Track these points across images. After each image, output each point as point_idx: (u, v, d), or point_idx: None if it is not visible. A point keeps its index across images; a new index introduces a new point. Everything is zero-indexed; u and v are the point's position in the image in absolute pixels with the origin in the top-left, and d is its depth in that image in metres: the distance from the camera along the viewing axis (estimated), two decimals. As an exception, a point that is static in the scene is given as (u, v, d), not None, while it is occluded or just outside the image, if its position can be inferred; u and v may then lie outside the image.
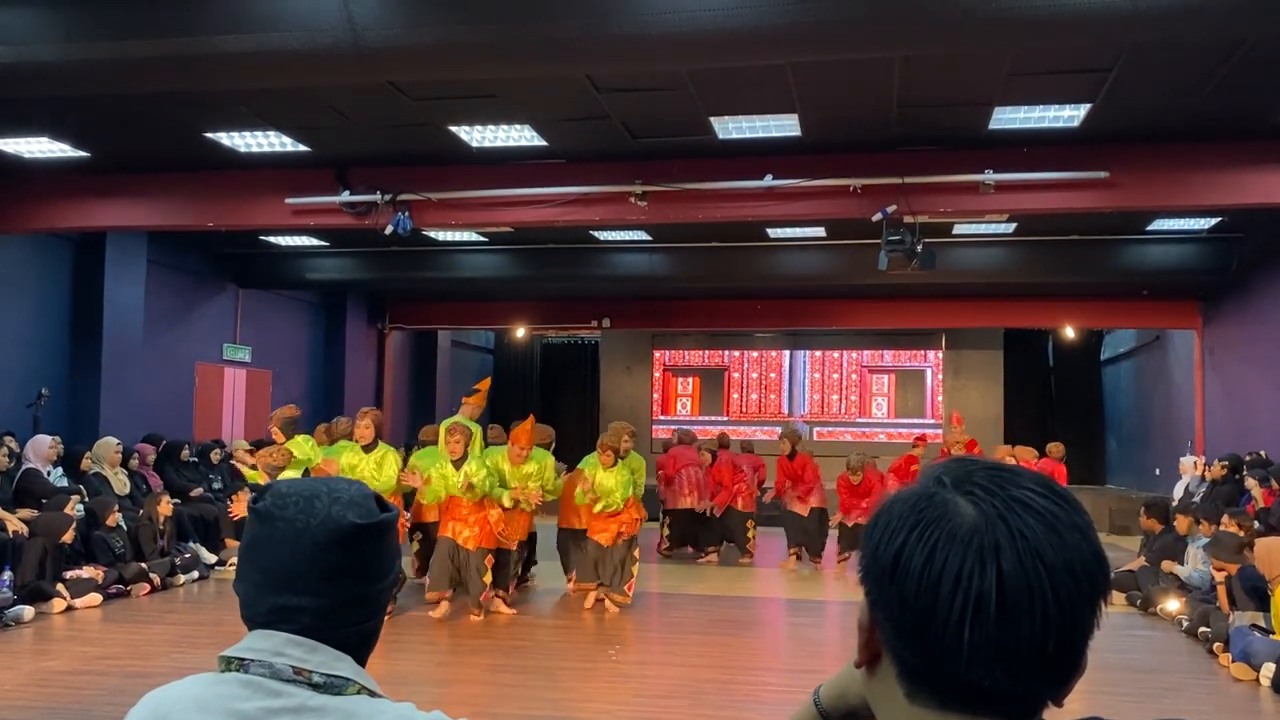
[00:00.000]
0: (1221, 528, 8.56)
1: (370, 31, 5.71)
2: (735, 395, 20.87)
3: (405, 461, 9.83)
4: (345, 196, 10.00)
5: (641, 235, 13.17)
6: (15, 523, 8.80)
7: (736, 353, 20.94)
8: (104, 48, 6.07)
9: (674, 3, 5.42)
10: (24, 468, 9.83)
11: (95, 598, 8.92)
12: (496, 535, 8.64)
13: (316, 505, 1.28)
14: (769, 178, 9.30)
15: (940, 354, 20.08)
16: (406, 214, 9.93)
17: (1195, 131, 8.60)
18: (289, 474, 7.79)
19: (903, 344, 20.21)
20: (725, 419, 20.16)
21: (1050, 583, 0.84)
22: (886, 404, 20.29)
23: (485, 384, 9.84)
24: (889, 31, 5.52)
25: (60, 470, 10.25)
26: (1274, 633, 7.03)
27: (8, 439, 9.96)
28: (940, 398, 20.02)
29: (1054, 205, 9.30)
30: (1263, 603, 7.34)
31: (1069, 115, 8.25)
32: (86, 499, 9.92)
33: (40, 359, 11.71)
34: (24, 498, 9.52)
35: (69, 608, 8.69)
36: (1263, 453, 11.45)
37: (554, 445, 10.04)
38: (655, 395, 21.09)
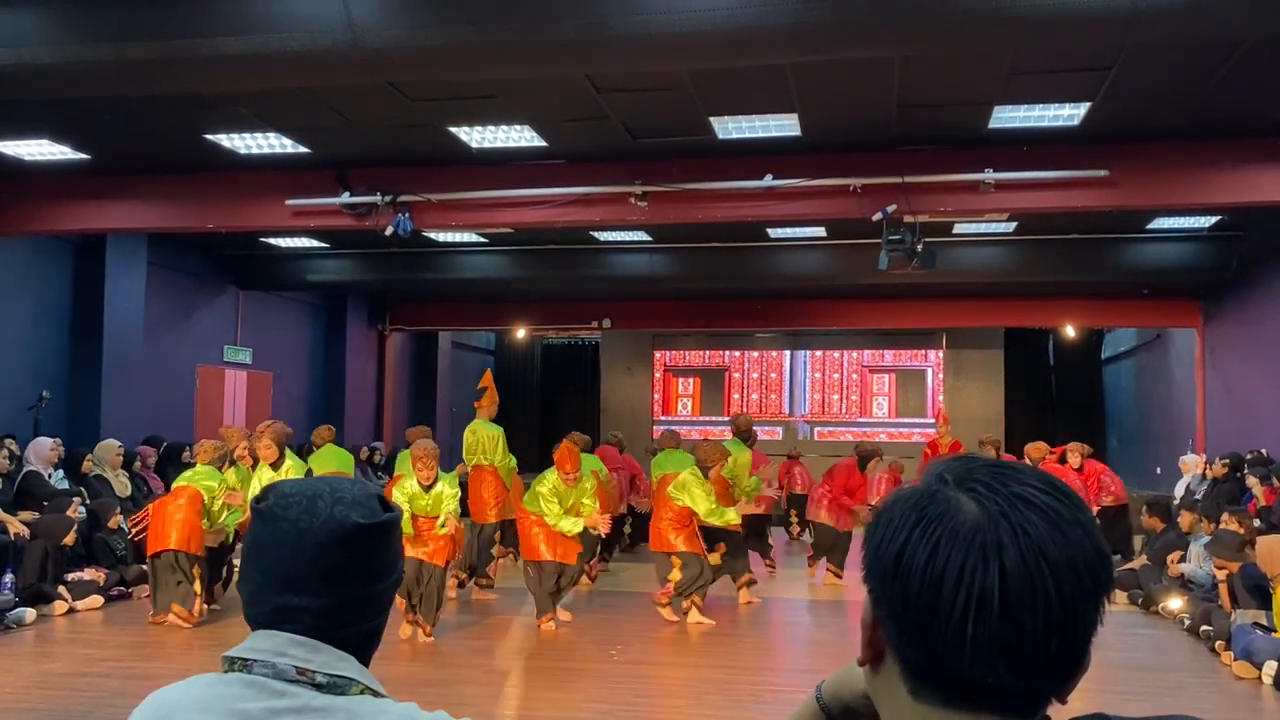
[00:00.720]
0: (1222, 526, 8.55)
1: (370, 33, 5.71)
2: (736, 395, 20.86)
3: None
4: (345, 198, 10.00)
5: (642, 235, 13.17)
6: (17, 525, 8.80)
7: (737, 353, 20.93)
8: (104, 49, 6.07)
9: (673, 3, 5.42)
10: (25, 470, 9.84)
11: (97, 600, 8.93)
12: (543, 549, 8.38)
13: (319, 505, 1.28)
14: (769, 178, 9.29)
15: (941, 353, 20.07)
16: (406, 215, 9.93)
17: (1195, 130, 8.60)
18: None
19: (903, 343, 20.20)
20: (726, 419, 20.14)
21: (1053, 579, 0.85)
22: (887, 404, 20.28)
23: (487, 379, 9.88)
24: (889, 31, 5.52)
25: (61, 472, 10.26)
26: (1276, 631, 7.03)
27: (8, 441, 9.97)
28: (941, 397, 20.01)
29: (1054, 204, 9.30)
30: (1264, 601, 7.34)
31: (1069, 114, 8.25)
32: (88, 501, 9.92)
33: (41, 361, 11.71)
34: (25, 500, 9.53)
35: (70, 610, 8.69)
36: (1264, 451, 11.45)
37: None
38: (656, 396, 21.09)
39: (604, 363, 21.46)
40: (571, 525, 8.23)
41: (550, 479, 8.36)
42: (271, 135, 9.06)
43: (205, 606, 8.42)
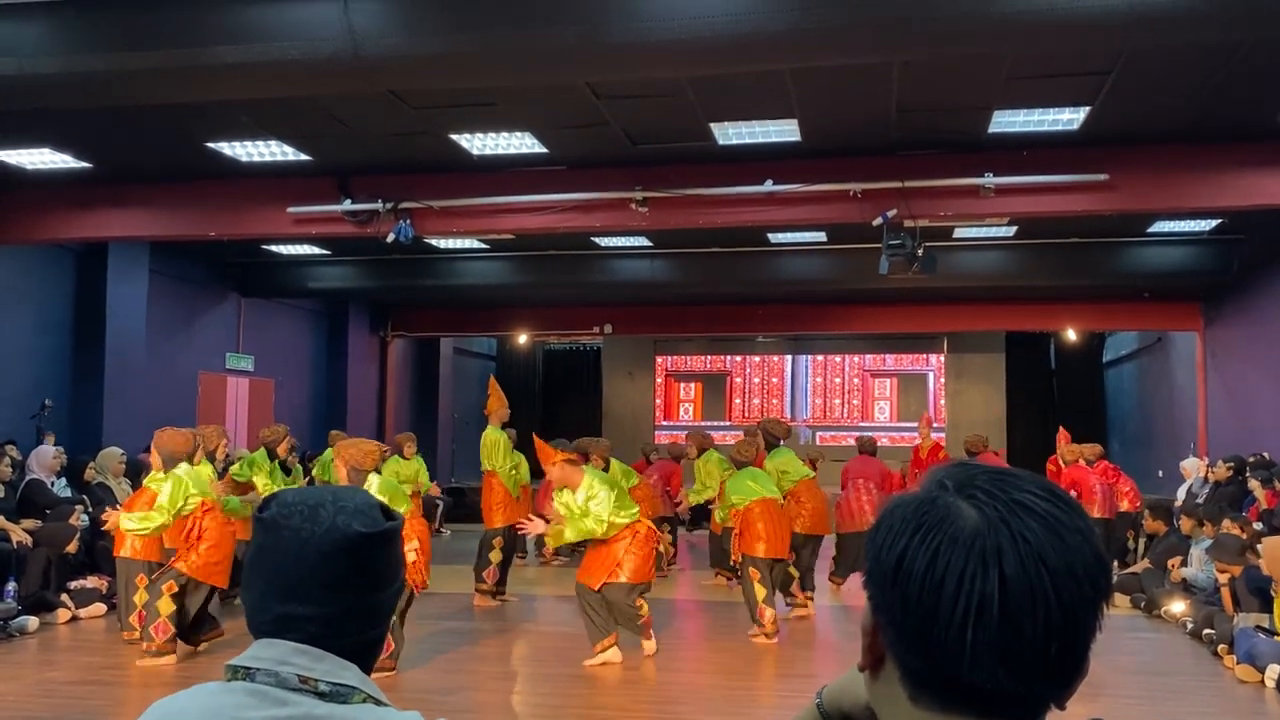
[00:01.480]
0: (1222, 531, 8.55)
1: (370, 41, 5.73)
2: (738, 400, 20.87)
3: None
4: (347, 205, 10.01)
5: (642, 241, 13.18)
6: (19, 533, 8.80)
7: (738, 358, 20.95)
8: (106, 59, 6.09)
9: (673, 10, 5.44)
10: (28, 478, 9.84)
11: (100, 608, 8.93)
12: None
13: (321, 514, 1.28)
14: (769, 183, 9.31)
15: (942, 357, 20.08)
16: (408, 222, 9.94)
17: (1194, 133, 8.61)
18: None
19: (904, 348, 20.21)
20: (728, 424, 20.15)
21: (1052, 585, 0.85)
22: (889, 408, 20.29)
23: (491, 386, 9.93)
24: (887, 37, 5.53)
25: (64, 481, 10.26)
26: (1278, 634, 7.02)
27: (9, 448, 9.97)
28: (943, 401, 20.01)
29: (1054, 208, 9.30)
30: (1267, 604, 7.34)
31: (1068, 118, 8.25)
32: (90, 509, 9.92)
33: (43, 370, 11.72)
34: (28, 508, 9.53)
35: (73, 618, 8.69)
36: (1266, 454, 11.44)
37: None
38: (658, 401, 21.10)
39: (606, 368, 21.48)
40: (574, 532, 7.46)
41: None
42: (273, 143, 9.08)
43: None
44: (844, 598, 10.25)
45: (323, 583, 1.26)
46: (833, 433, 20.01)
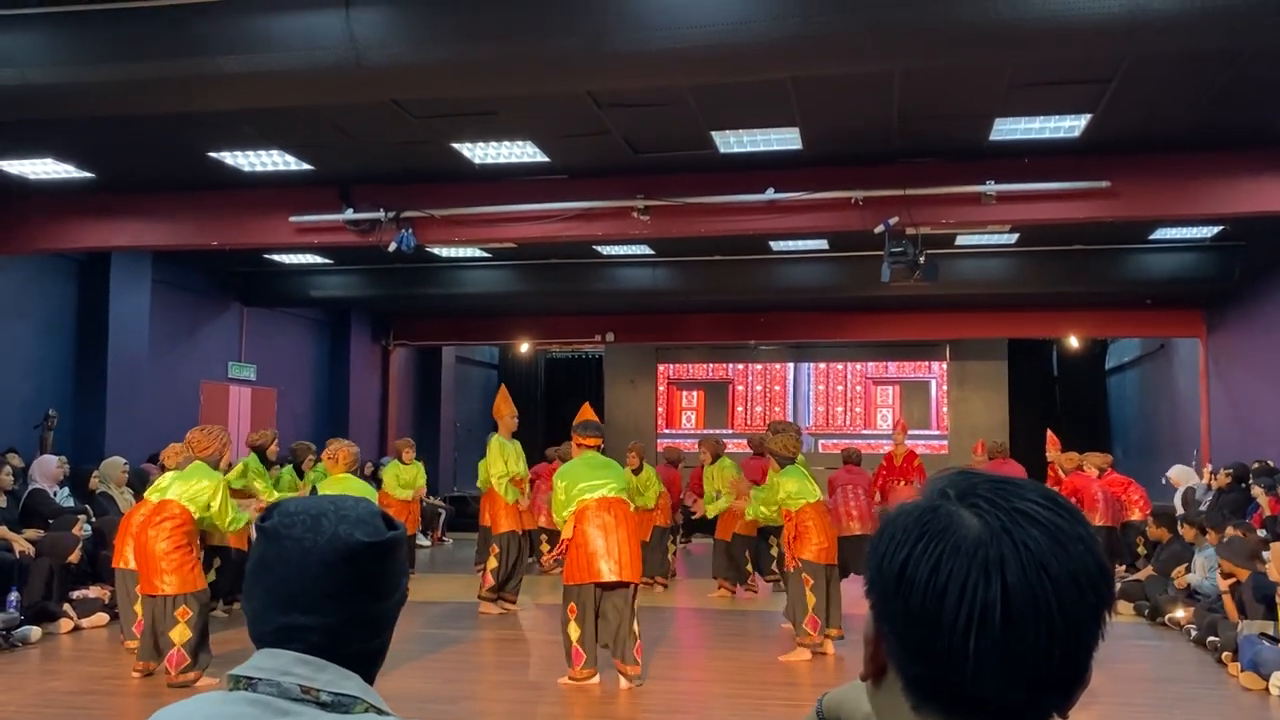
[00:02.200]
0: (1228, 535, 8.54)
1: (372, 50, 5.74)
2: (740, 408, 20.86)
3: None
4: (349, 214, 10.03)
5: (644, 249, 13.19)
6: (22, 543, 8.80)
7: (740, 366, 20.94)
8: (108, 70, 6.11)
9: (674, 19, 5.45)
10: (30, 488, 9.84)
11: (102, 617, 8.92)
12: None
13: (323, 524, 1.28)
14: (771, 191, 9.32)
15: (944, 365, 20.06)
16: (410, 231, 9.95)
17: (1196, 141, 8.61)
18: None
19: (906, 355, 20.20)
20: (730, 432, 20.14)
21: (1055, 594, 0.85)
22: (891, 415, 20.26)
23: (501, 392, 9.97)
24: (888, 45, 5.54)
25: (67, 490, 10.27)
26: (1283, 641, 7.01)
27: (11, 457, 9.97)
28: (945, 409, 20.00)
29: (1056, 215, 9.31)
30: (1271, 611, 7.32)
31: (1070, 126, 8.26)
32: (93, 519, 9.93)
33: (46, 380, 11.73)
34: (31, 518, 9.53)
35: (76, 628, 8.69)
36: (1270, 461, 11.42)
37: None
38: (660, 409, 21.08)
39: (607, 376, 21.47)
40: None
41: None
42: (275, 153, 9.10)
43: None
44: (844, 606, 10.22)
45: (325, 592, 1.26)
46: (835, 440, 19.96)
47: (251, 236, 10.54)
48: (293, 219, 10.19)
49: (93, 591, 9.12)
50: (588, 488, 6.96)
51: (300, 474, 10.39)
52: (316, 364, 17.47)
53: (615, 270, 14.15)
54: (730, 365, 20.98)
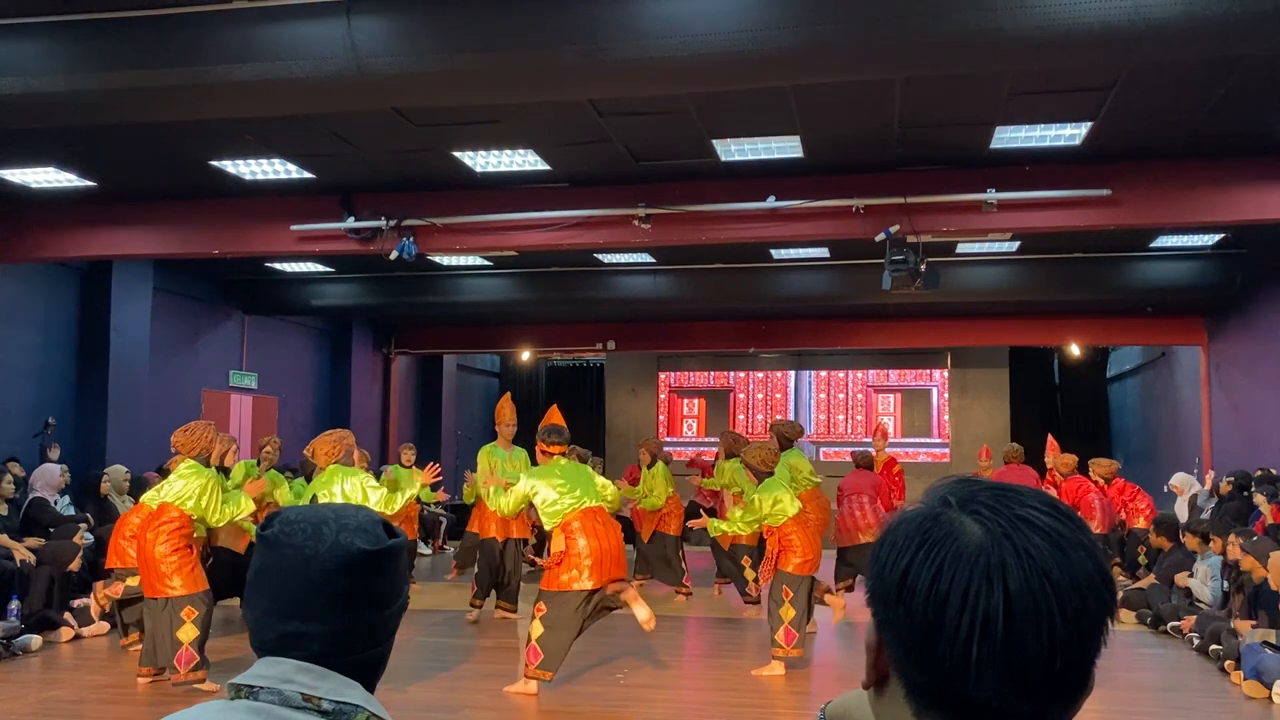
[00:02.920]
0: (1228, 544, 8.52)
1: (374, 59, 5.75)
2: (741, 416, 20.85)
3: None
4: (350, 223, 10.04)
5: (645, 258, 13.20)
6: (23, 551, 8.80)
7: (742, 374, 20.93)
8: (110, 78, 6.12)
9: (674, 27, 5.46)
10: (31, 496, 9.84)
11: (103, 626, 8.90)
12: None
13: (324, 532, 1.28)
14: (772, 199, 9.33)
15: (945, 373, 20.05)
16: (411, 239, 9.97)
17: (1197, 148, 8.62)
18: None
19: (908, 363, 20.19)
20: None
21: (1057, 601, 0.85)
22: (893, 423, 20.24)
23: (501, 401, 9.96)
24: (889, 53, 5.55)
25: (68, 499, 10.26)
26: (1286, 650, 6.99)
27: (12, 465, 9.98)
28: (946, 416, 19.99)
29: (1057, 223, 9.31)
30: (1274, 619, 7.30)
31: (1070, 134, 8.27)
32: (94, 527, 9.92)
33: (47, 388, 11.74)
34: (32, 526, 9.53)
35: (77, 636, 8.67)
36: (1272, 469, 11.40)
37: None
38: (661, 417, 21.07)
39: (609, 384, 21.47)
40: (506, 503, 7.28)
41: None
42: (276, 161, 9.11)
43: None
44: (849, 614, 10.20)
45: (326, 600, 1.26)
46: (836, 448, 19.97)
47: (253, 245, 10.56)
48: (294, 227, 10.20)
49: (92, 601, 9.11)
50: (569, 496, 6.92)
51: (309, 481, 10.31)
52: (318, 372, 17.48)
53: (616, 278, 14.16)
54: (731, 373, 20.97)
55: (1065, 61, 5.90)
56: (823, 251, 12.68)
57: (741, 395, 20.94)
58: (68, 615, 8.75)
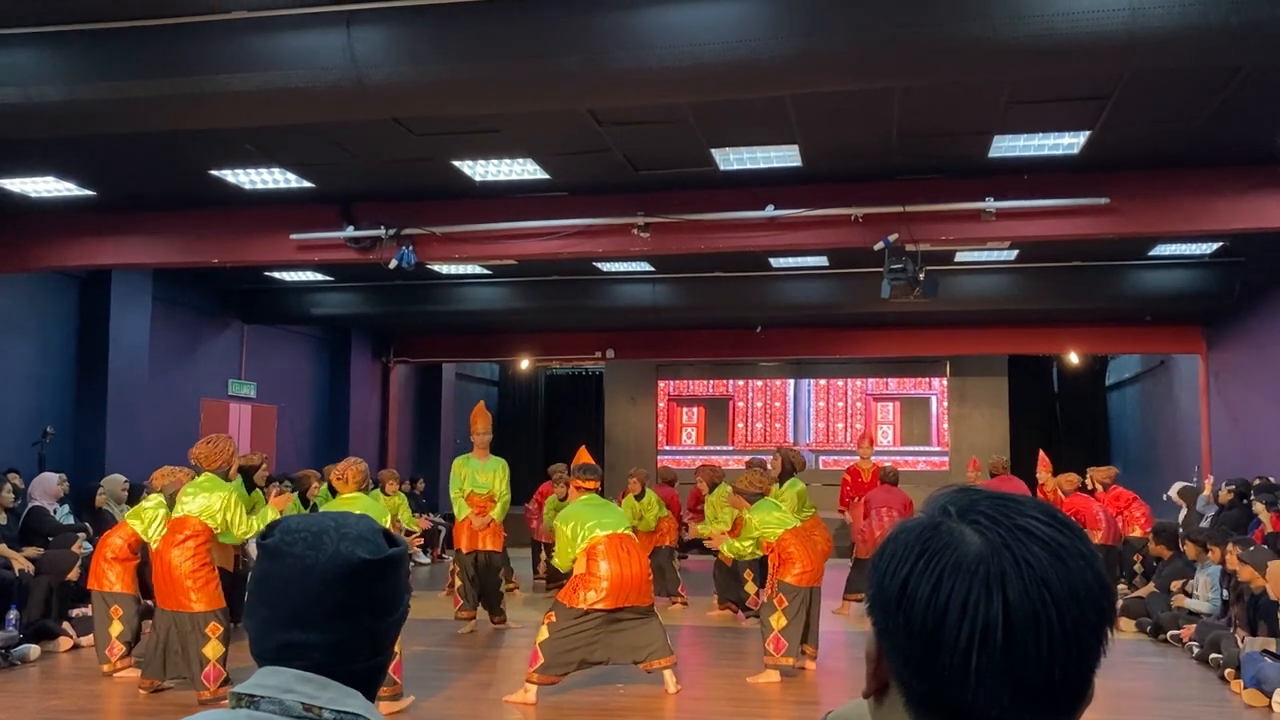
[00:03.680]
0: (1227, 552, 8.52)
1: (373, 69, 5.76)
2: (740, 425, 20.85)
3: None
4: (349, 232, 10.05)
5: (644, 266, 13.21)
6: (21, 561, 8.79)
7: (741, 382, 20.94)
8: (109, 88, 6.13)
9: (673, 37, 5.47)
10: (30, 506, 9.83)
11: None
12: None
13: (325, 541, 1.29)
14: (770, 208, 9.34)
15: (945, 381, 20.06)
16: (410, 248, 9.97)
17: (1195, 157, 8.64)
18: None
19: (907, 372, 20.20)
20: (731, 448, 20.13)
21: (1056, 610, 0.85)
22: (892, 432, 20.25)
23: (475, 409, 9.87)
24: (888, 63, 5.56)
25: (67, 508, 10.25)
26: (1286, 658, 6.98)
27: (12, 476, 9.96)
28: (946, 425, 19.99)
29: (1055, 232, 9.32)
30: (1273, 628, 7.30)
31: (1069, 143, 8.29)
32: (94, 536, 9.90)
33: (46, 397, 11.73)
34: (30, 536, 9.51)
35: (75, 646, 8.66)
36: (1271, 477, 11.40)
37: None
38: (660, 425, 21.07)
39: (608, 393, 21.46)
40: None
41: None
42: (276, 171, 9.12)
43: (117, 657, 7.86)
44: (854, 623, 10.20)
45: (327, 610, 1.26)
46: (836, 457, 19.96)
47: (252, 254, 10.56)
48: (293, 236, 10.21)
49: (92, 610, 9.09)
50: (596, 525, 7.10)
51: (305, 503, 10.29)
52: (317, 381, 17.48)
53: (615, 287, 14.16)
54: (730, 382, 20.98)
55: (1063, 71, 5.92)
56: (821, 260, 12.68)
57: (741, 404, 20.94)
58: (66, 625, 8.74)
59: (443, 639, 9.26)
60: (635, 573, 6.99)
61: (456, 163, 8.85)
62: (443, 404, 20.16)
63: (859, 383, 20.47)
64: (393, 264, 9.94)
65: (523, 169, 9.02)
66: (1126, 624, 9.65)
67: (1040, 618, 0.85)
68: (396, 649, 6.30)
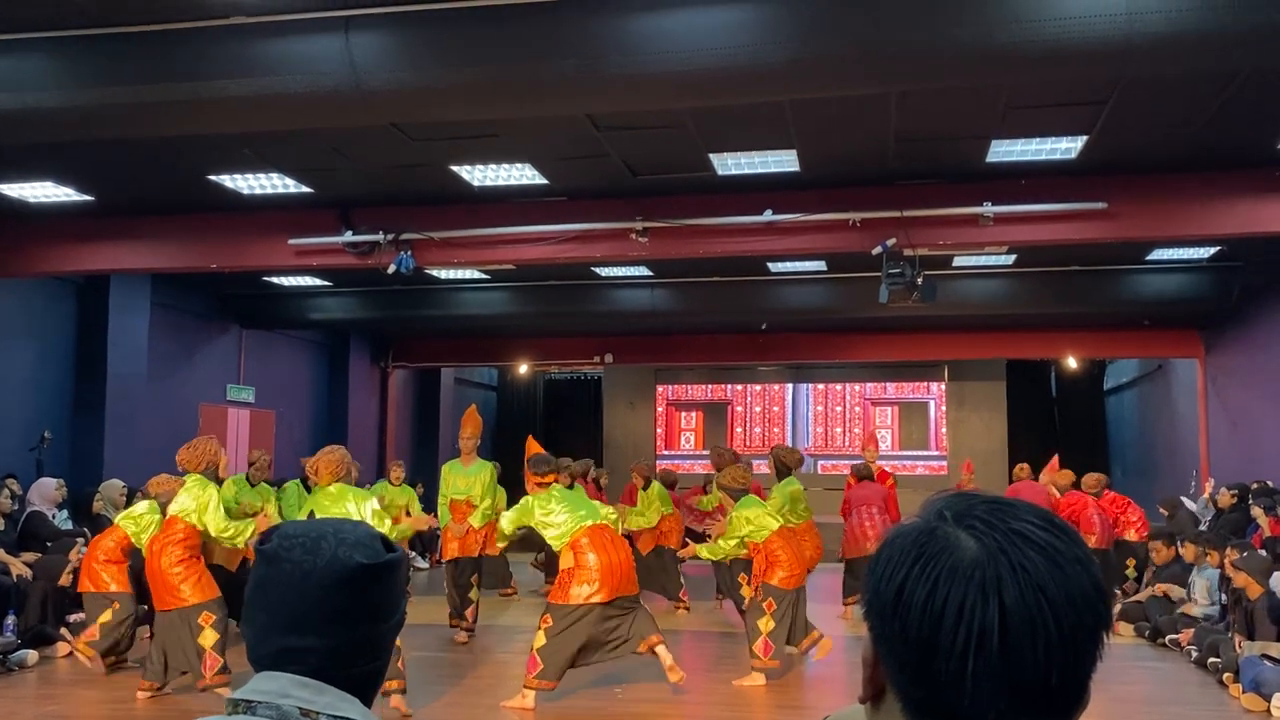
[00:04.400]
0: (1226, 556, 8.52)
1: (372, 74, 5.77)
2: (739, 429, 20.85)
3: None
4: (348, 237, 10.05)
5: (643, 271, 13.21)
6: (19, 566, 8.77)
7: (739, 386, 20.94)
8: (108, 93, 6.13)
9: (672, 42, 5.48)
10: (28, 511, 9.82)
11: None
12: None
13: (323, 546, 1.29)
14: (769, 213, 9.34)
15: (943, 385, 20.07)
16: (409, 253, 9.97)
17: (1192, 162, 8.65)
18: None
19: (905, 376, 20.22)
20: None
21: (1053, 615, 0.85)
22: (890, 436, 20.25)
23: (466, 413, 9.85)
24: (885, 68, 5.57)
25: (65, 513, 10.23)
26: (1284, 662, 6.98)
27: (10, 481, 9.95)
28: (944, 429, 19.99)
29: (1053, 236, 9.33)
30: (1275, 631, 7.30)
31: (1066, 147, 8.30)
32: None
33: (44, 402, 11.72)
34: (28, 541, 9.50)
35: (72, 652, 8.64)
36: (1269, 481, 11.40)
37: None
38: (659, 430, 21.08)
39: (606, 397, 21.47)
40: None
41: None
42: (274, 176, 9.12)
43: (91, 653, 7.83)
44: (852, 627, 10.19)
45: (324, 615, 1.26)
46: (834, 461, 19.97)
47: (251, 259, 10.56)
48: (292, 242, 10.21)
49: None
50: (579, 519, 7.03)
51: (309, 489, 10.28)
52: (315, 386, 17.47)
53: (614, 292, 14.17)
54: (729, 386, 20.98)
55: (1061, 75, 5.92)
56: (820, 265, 12.69)
57: (739, 408, 20.95)
58: (64, 630, 8.72)
59: (440, 644, 9.25)
60: (622, 559, 6.97)
61: (455, 168, 8.86)
62: (441, 409, 20.15)
63: (857, 387, 20.48)
64: (391, 269, 9.95)
65: (521, 174, 9.02)
66: (1125, 628, 9.65)
67: (1036, 623, 0.85)
68: (399, 644, 6.42)
